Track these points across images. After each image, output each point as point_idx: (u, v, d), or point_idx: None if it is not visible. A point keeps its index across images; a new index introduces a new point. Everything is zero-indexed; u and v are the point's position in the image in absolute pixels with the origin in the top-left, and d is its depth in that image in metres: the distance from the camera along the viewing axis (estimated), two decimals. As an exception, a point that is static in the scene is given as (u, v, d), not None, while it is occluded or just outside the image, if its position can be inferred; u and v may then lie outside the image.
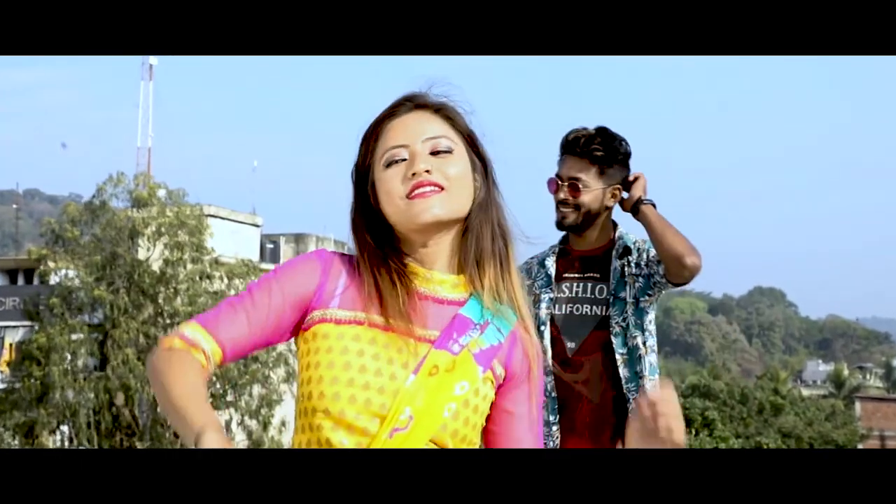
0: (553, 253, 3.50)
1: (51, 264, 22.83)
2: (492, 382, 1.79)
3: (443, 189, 1.76)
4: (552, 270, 3.44)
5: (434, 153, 1.77)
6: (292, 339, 1.82)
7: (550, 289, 3.43)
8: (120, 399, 21.90)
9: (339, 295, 1.79)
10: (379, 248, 1.80)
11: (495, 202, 1.85)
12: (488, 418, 1.82)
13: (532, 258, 3.52)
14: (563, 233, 3.50)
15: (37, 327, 22.86)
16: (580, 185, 3.36)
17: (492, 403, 1.80)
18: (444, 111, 1.82)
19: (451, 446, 1.73)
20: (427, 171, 1.75)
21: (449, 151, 1.78)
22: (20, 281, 30.84)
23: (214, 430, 1.48)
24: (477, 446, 1.81)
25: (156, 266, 22.34)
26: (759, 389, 42.05)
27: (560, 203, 3.40)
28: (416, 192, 1.75)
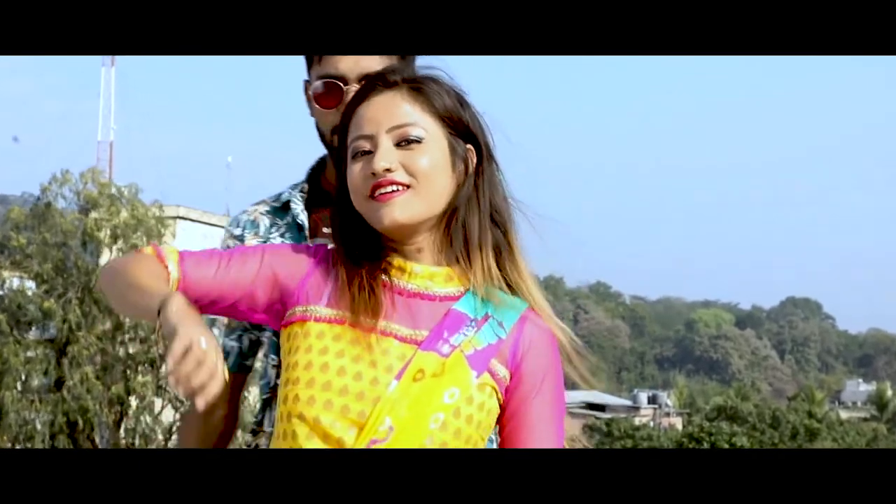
0: (300, 193, 2.39)
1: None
2: (493, 389, 1.74)
3: (409, 187, 1.74)
4: (303, 219, 2.35)
5: (400, 144, 1.75)
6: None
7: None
8: (79, 422, 21.85)
9: (327, 293, 1.78)
10: (355, 242, 1.79)
11: (490, 184, 1.81)
12: (499, 428, 1.77)
13: (258, 203, 2.43)
14: (312, 167, 2.44)
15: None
16: None
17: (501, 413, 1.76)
18: (417, 87, 1.79)
19: None
20: (388, 170, 1.73)
21: (418, 140, 1.75)
22: (-37, 292, 30.83)
23: (178, 296, 1.63)
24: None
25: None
26: (792, 412, 42.24)
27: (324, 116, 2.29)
28: (378, 192, 1.73)
